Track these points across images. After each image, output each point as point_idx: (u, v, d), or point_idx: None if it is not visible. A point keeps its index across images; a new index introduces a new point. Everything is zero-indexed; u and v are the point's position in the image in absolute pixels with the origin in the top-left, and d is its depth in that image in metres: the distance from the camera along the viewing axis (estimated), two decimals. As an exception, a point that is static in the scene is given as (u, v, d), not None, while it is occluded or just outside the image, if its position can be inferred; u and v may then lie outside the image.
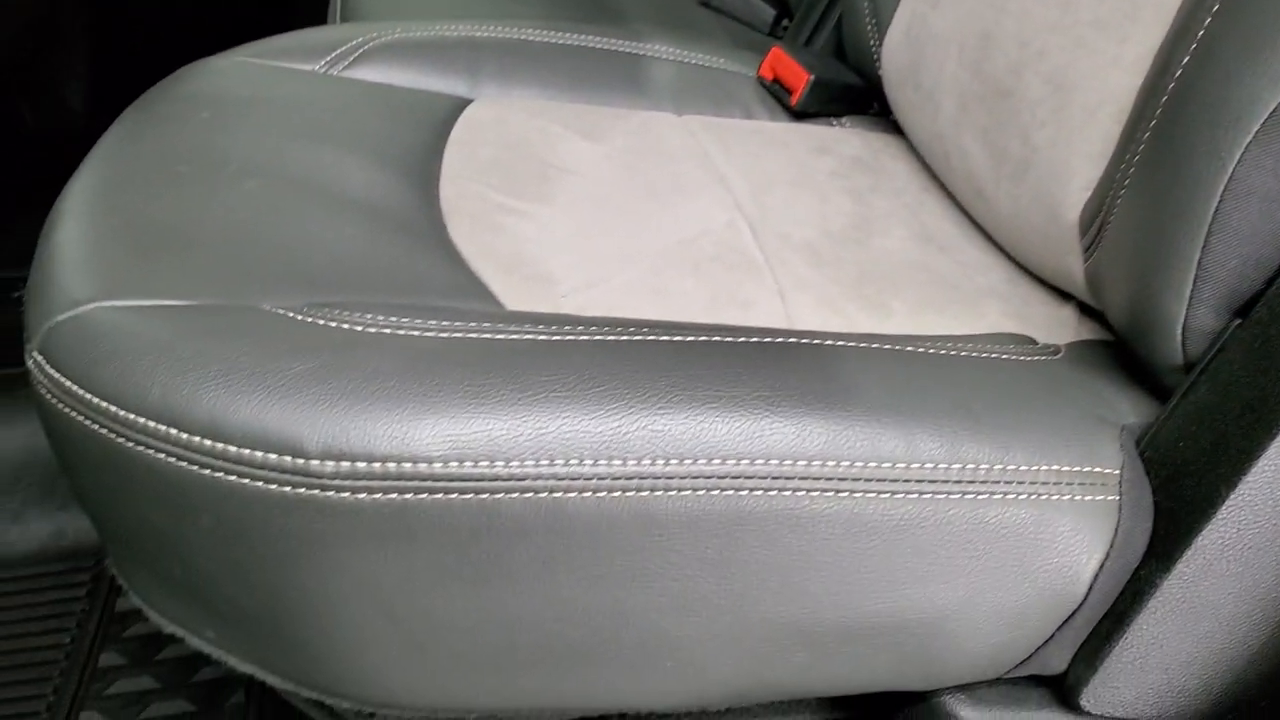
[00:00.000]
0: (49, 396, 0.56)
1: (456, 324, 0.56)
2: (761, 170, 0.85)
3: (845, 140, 0.94)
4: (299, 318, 0.56)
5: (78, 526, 1.08)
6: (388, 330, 0.55)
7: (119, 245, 0.62)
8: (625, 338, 0.56)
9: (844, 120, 1.00)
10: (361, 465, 0.49)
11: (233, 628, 0.58)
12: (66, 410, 0.55)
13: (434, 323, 0.56)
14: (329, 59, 0.91)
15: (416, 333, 0.55)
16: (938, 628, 0.56)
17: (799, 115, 0.99)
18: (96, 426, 0.54)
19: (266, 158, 0.73)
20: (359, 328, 0.55)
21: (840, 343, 0.58)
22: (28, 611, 1.01)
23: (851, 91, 1.00)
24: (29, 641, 0.97)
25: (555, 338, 0.55)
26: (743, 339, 0.57)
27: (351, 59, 0.91)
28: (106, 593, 1.02)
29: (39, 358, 0.57)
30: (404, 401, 0.50)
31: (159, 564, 0.58)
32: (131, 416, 0.52)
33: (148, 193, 0.67)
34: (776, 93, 0.99)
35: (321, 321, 0.55)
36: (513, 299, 0.63)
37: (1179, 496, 0.56)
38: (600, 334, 0.56)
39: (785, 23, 1.24)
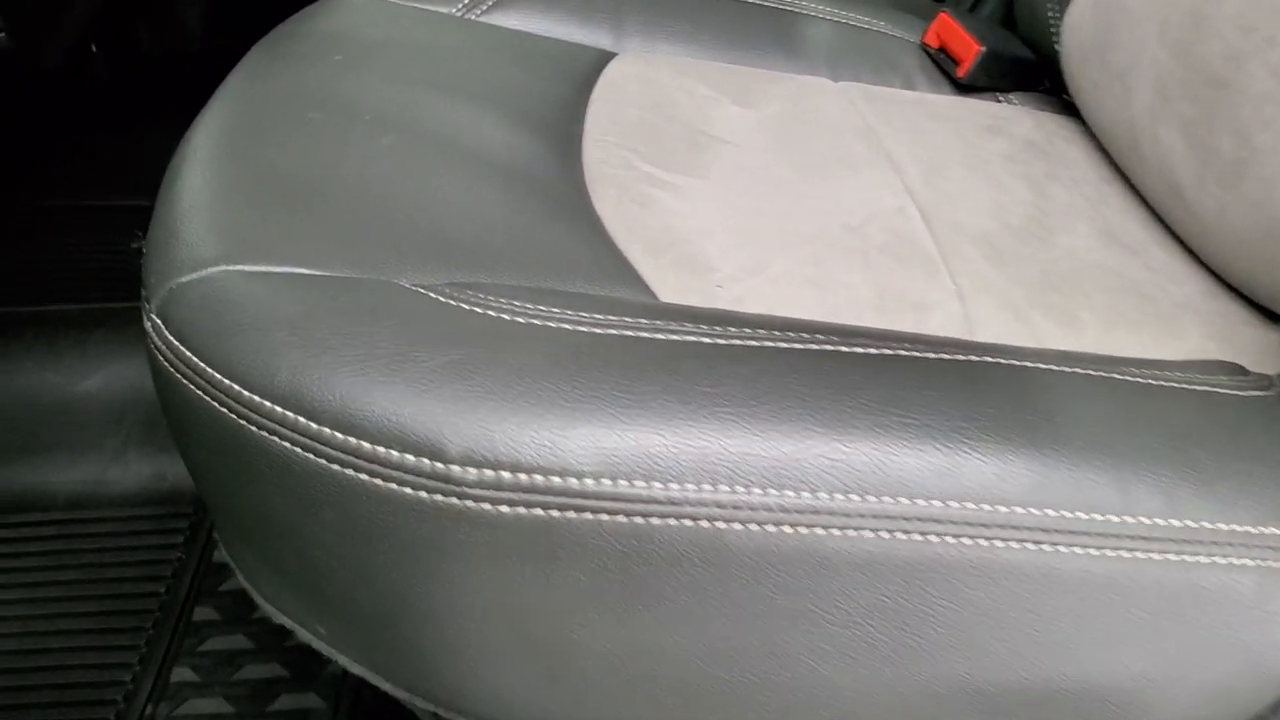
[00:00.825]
0: (166, 363, 0.52)
1: (610, 318, 0.50)
2: (930, 149, 0.77)
3: (1016, 119, 0.86)
4: (440, 299, 0.51)
5: (178, 470, 1.06)
6: (537, 321, 0.50)
7: (248, 200, 0.57)
8: (800, 346, 0.50)
9: (1011, 96, 0.92)
10: (506, 475, 0.44)
11: (348, 627, 0.53)
12: (184, 381, 0.51)
13: (586, 315, 0.50)
14: (467, 1, 0.85)
15: (568, 326, 0.49)
16: (1130, 697, 0.49)
17: (963, 88, 0.91)
18: (216, 404, 0.49)
19: (402, 109, 0.68)
20: (505, 316, 0.50)
21: (1041, 365, 0.52)
22: (124, 555, 0.98)
23: (1022, 65, 0.92)
24: (124, 588, 0.95)
25: (720, 341, 0.49)
26: (932, 354, 0.51)
27: (491, 2, 0.86)
28: (204, 543, 1.00)
29: (157, 321, 0.52)
30: (554, 407, 0.45)
31: (272, 551, 0.53)
32: (256, 399, 0.47)
33: (278, 140, 0.62)
34: (941, 62, 0.92)
35: (465, 306, 0.50)
36: (664, 287, 0.57)
37: None
38: (771, 340, 0.50)
39: (945, -17, 1.15)
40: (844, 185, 0.71)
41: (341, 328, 0.48)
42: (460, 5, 0.85)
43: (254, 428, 0.48)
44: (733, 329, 0.50)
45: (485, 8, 0.85)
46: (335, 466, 0.46)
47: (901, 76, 0.91)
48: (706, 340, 0.49)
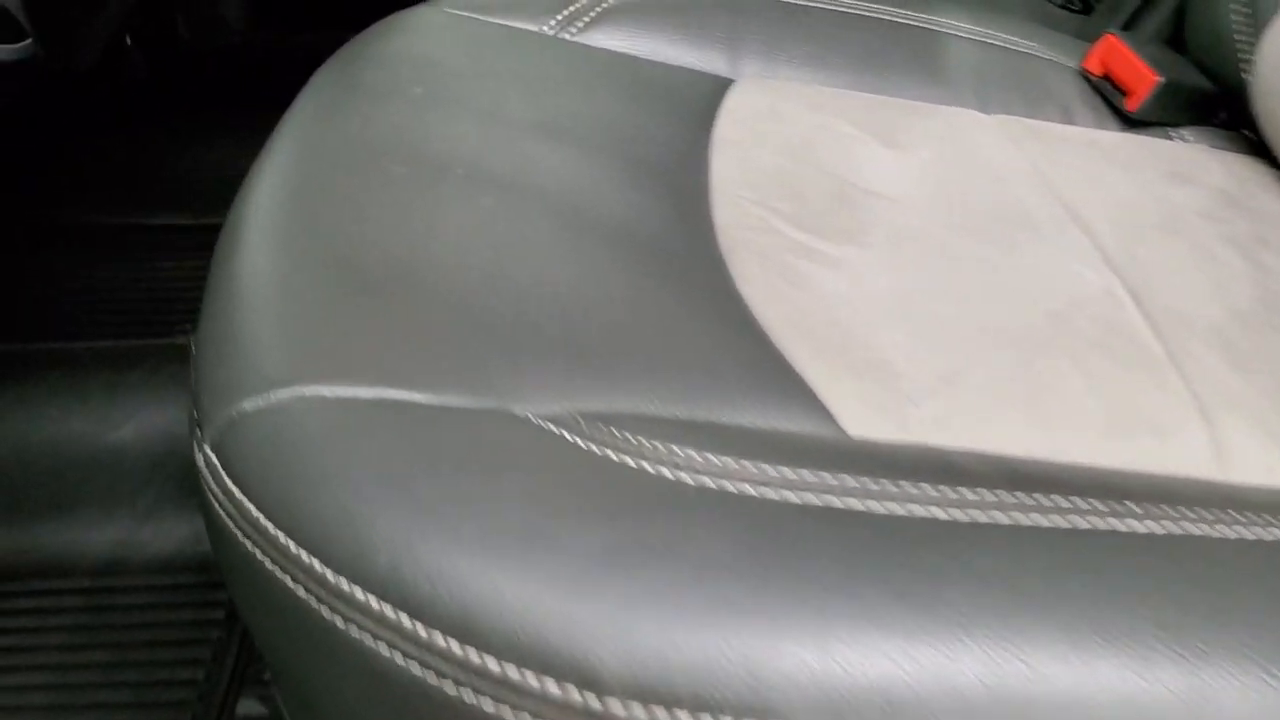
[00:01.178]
0: (223, 515, 0.40)
1: (804, 474, 0.38)
2: (1117, 204, 0.65)
3: (1201, 163, 0.73)
4: (579, 443, 0.39)
5: (218, 531, 0.94)
6: (710, 482, 0.38)
7: (326, 291, 0.45)
8: (1062, 524, 0.38)
9: (1183, 131, 0.79)
10: (684, 718, 0.32)
11: None
12: (247, 544, 0.39)
13: (771, 470, 0.38)
14: (562, 17, 0.73)
15: (752, 490, 0.37)
16: None
17: (1130, 122, 0.78)
18: (289, 580, 0.38)
19: (501, 159, 0.57)
20: (667, 472, 0.38)
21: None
22: (157, 633, 0.87)
23: (1199, 97, 0.79)
24: (158, 673, 0.84)
25: (958, 515, 0.37)
26: (1228, 530, 0.39)
27: (588, 18, 0.74)
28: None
29: (212, 458, 0.41)
30: (751, 620, 0.33)
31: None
32: (344, 585, 0.36)
33: (357, 204, 0.51)
34: (1105, 92, 0.79)
35: (613, 455, 0.38)
36: (846, 406, 0.45)
37: None
38: (1019, 509, 0.38)
39: (1083, -8, 1.02)
40: (1031, 256, 0.58)
41: (457, 490, 0.36)
42: (553, 22, 0.73)
43: (339, 619, 0.36)
44: (966, 491, 0.38)
45: (582, 24, 0.73)
46: (448, 684, 0.34)
47: (1059, 108, 0.78)
48: (939, 513, 0.37)
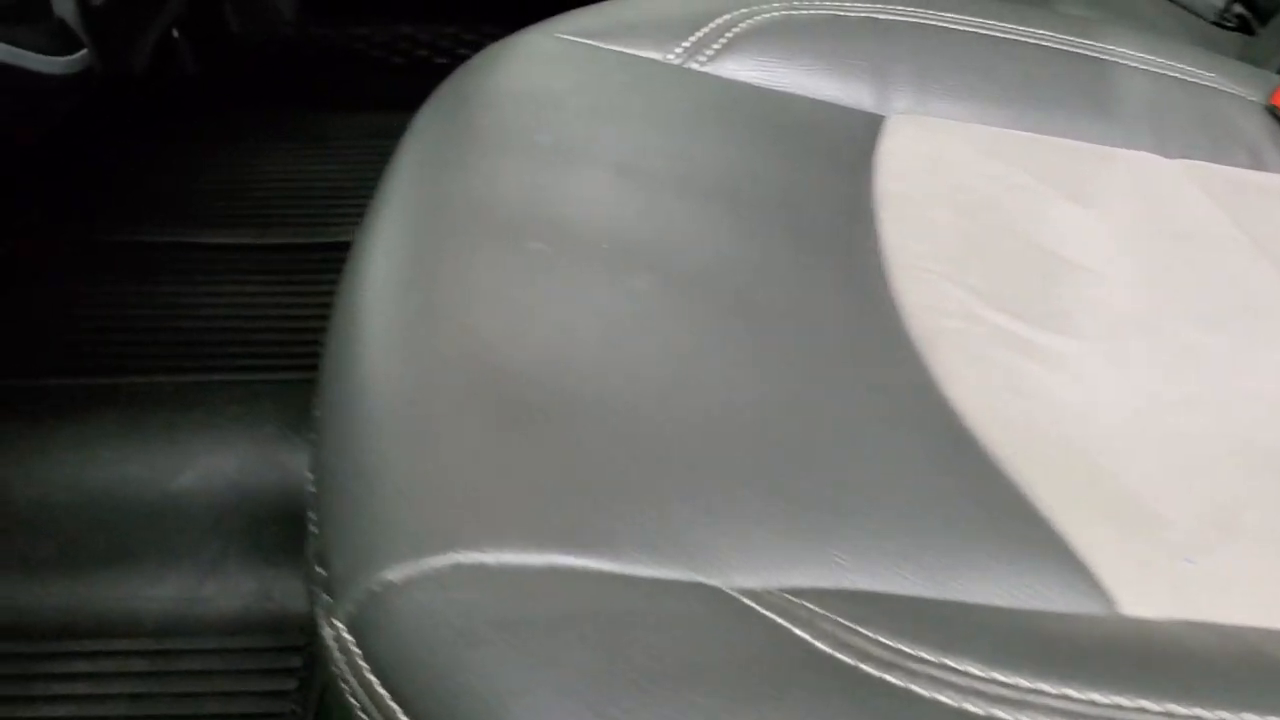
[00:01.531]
0: (362, 714, 0.32)
1: (1119, 701, 0.30)
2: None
3: None
4: (817, 645, 0.31)
5: (287, 588, 0.87)
6: (1002, 713, 0.29)
7: (474, 417, 0.37)
8: None
9: (1385, 177, 0.70)
10: None
11: None
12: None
13: (1077, 694, 0.30)
14: (689, 44, 0.65)
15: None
16: None
17: (1326, 166, 0.69)
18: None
19: (645, 226, 0.49)
20: (945, 699, 0.29)
21: None
22: (225, 704, 0.80)
23: (1406, 136, 0.70)
24: (226, 753, 0.77)
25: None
26: None
27: (719, 45, 0.65)
28: (321, 689, 0.81)
29: (348, 639, 0.33)
30: None
31: None
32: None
33: (494, 293, 0.43)
34: (1299, 131, 0.70)
35: (869, 669, 0.30)
36: (1114, 571, 0.37)
37: None
38: None
39: (1238, 8, 0.92)
40: (1273, 349, 0.49)
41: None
42: (679, 49, 0.64)
43: None
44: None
45: (711, 52, 0.65)
46: None
47: (1247, 150, 0.69)
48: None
